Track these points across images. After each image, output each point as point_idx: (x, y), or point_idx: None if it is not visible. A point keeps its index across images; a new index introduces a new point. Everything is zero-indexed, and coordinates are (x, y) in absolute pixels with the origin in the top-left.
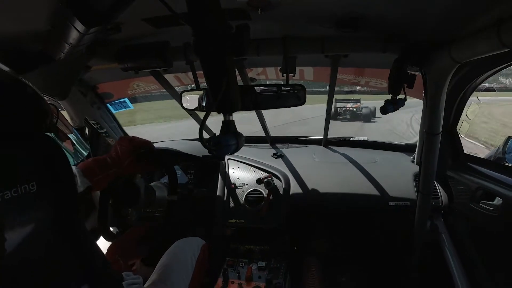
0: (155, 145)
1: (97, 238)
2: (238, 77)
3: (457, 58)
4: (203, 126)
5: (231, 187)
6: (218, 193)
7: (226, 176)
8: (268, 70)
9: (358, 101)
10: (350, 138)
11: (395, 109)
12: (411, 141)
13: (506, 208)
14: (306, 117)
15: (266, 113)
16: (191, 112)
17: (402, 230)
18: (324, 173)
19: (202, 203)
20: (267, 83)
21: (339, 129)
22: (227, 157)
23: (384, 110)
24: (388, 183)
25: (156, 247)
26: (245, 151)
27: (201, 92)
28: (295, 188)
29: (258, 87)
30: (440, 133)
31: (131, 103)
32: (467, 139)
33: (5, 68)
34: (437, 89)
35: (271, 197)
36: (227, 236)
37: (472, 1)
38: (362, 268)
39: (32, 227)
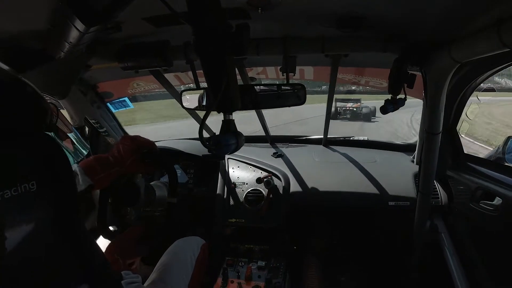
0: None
1: (97, 237)
2: (238, 77)
3: (457, 58)
4: (203, 125)
5: (231, 186)
6: (218, 193)
7: (226, 175)
8: (268, 70)
9: (358, 100)
10: (350, 137)
11: (395, 108)
12: (411, 141)
13: (506, 208)
14: (306, 117)
15: (266, 113)
16: (191, 112)
17: (402, 230)
18: (324, 173)
19: (202, 203)
20: (267, 82)
21: (339, 128)
22: (227, 156)
23: (384, 109)
24: (388, 182)
25: (156, 246)
26: (245, 150)
27: (201, 91)
28: (295, 187)
29: (258, 87)
30: (440, 132)
31: (131, 102)
32: (468, 138)
33: (5, 67)
34: (437, 89)
35: (271, 196)
36: (227, 235)
37: (472, 1)
38: (362, 267)
39: (32, 227)
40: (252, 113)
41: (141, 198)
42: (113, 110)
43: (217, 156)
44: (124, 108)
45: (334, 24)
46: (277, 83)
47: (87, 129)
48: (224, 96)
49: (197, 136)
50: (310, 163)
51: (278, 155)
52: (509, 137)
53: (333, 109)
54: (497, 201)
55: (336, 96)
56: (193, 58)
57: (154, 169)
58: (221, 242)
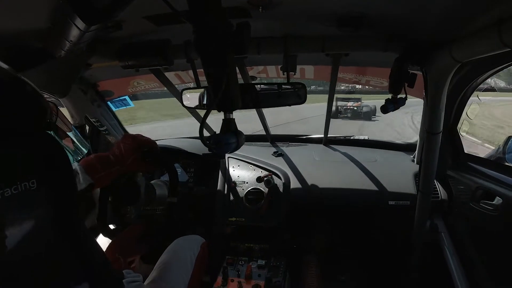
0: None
1: (97, 235)
2: (239, 75)
3: (458, 58)
4: (203, 124)
5: (231, 185)
6: (218, 191)
7: (226, 174)
8: (269, 69)
9: (359, 99)
10: (351, 137)
11: (395, 108)
12: (412, 140)
13: (506, 207)
14: (306, 116)
15: (266, 112)
16: (192, 110)
17: (402, 229)
18: (324, 172)
19: (202, 201)
20: (268, 81)
21: (339, 127)
22: (227, 155)
23: (385, 109)
24: (388, 182)
25: (156, 245)
26: (245, 149)
27: (202, 90)
28: (295, 186)
29: (258, 86)
30: (441, 132)
31: (132, 101)
32: (469, 137)
33: (4, 66)
34: (437, 88)
35: (271, 195)
36: (227, 234)
37: (472, 0)
38: (362, 267)
39: (32, 225)
40: (253, 112)
41: (142, 197)
42: (114, 109)
43: (217, 155)
44: (125, 107)
45: (335, 23)
46: (278, 82)
47: (87, 127)
48: (224, 95)
49: (197, 135)
50: (310, 162)
51: (278, 154)
52: (509, 137)
53: (334, 108)
54: (497, 201)
55: (336, 95)
56: (193, 57)
57: (155, 168)
58: (221, 241)
